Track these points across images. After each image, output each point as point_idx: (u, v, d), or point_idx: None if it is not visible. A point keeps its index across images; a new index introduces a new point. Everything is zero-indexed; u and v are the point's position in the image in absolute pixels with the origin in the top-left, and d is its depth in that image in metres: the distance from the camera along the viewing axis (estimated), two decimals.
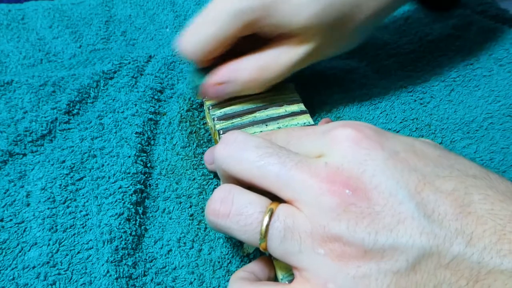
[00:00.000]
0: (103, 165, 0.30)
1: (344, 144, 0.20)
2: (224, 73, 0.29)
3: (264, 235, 0.20)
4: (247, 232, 0.21)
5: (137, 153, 0.31)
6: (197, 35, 0.28)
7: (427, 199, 0.19)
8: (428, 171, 0.20)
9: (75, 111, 0.34)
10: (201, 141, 0.33)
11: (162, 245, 0.27)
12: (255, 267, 0.24)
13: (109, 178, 0.29)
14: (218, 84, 0.29)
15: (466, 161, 0.22)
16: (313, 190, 0.20)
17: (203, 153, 0.32)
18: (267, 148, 0.21)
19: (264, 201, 0.21)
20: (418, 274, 0.18)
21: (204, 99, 0.33)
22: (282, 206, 0.21)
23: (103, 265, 0.25)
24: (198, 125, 0.34)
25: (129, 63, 0.37)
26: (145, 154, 0.32)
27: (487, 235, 0.18)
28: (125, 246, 0.26)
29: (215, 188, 0.30)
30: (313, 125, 0.30)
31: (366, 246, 0.19)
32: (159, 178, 0.31)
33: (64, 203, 0.28)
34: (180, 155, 0.32)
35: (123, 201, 0.28)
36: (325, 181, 0.20)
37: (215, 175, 0.31)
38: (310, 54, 0.29)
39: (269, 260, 0.24)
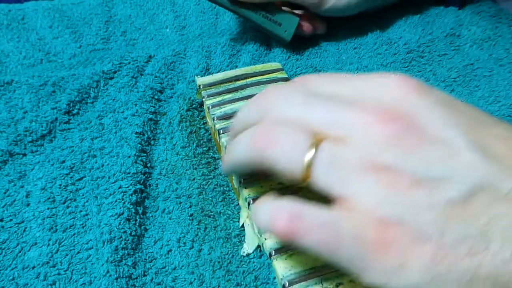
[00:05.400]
0: (103, 165, 0.30)
1: (396, 88, 0.20)
2: None
3: (309, 164, 0.19)
4: (291, 162, 0.20)
5: (137, 153, 0.31)
6: None
7: (481, 137, 0.19)
8: (478, 118, 0.20)
9: (75, 111, 0.34)
10: (201, 141, 0.33)
11: (162, 245, 0.27)
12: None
13: (109, 178, 0.29)
14: None
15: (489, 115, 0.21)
16: (364, 123, 0.19)
17: (203, 153, 0.32)
18: (313, 92, 0.21)
19: (311, 132, 0.20)
20: (471, 206, 0.18)
21: (203, 99, 0.33)
22: (329, 138, 0.20)
23: (103, 265, 0.25)
24: (198, 125, 0.34)
25: (129, 63, 0.37)
26: (145, 154, 0.32)
27: None
28: (125, 246, 0.26)
29: (215, 188, 0.30)
30: None
31: (418, 175, 0.18)
32: (159, 178, 0.31)
33: (64, 203, 0.28)
34: (180, 155, 0.32)
35: (123, 201, 0.28)
36: (377, 114, 0.19)
37: (215, 175, 0.31)
38: None
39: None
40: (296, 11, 0.40)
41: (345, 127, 0.20)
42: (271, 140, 0.20)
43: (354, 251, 0.19)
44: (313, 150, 0.19)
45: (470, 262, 0.18)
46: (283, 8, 0.39)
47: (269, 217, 0.20)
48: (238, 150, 0.22)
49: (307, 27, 0.40)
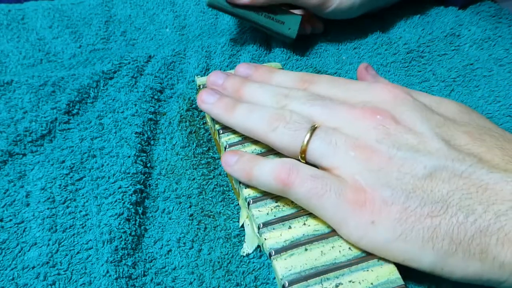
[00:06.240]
0: (102, 165, 0.30)
1: (379, 93, 0.26)
2: None
3: (308, 140, 0.25)
4: (294, 139, 0.25)
5: (136, 153, 0.31)
6: None
7: (446, 131, 0.24)
8: (449, 117, 0.25)
9: (75, 111, 0.34)
10: (201, 141, 0.33)
11: (162, 245, 0.27)
12: None
13: (108, 178, 0.29)
14: None
15: (487, 120, 0.26)
16: (351, 117, 0.25)
17: (202, 153, 0.32)
18: (315, 95, 0.27)
19: (312, 122, 0.26)
20: (434, 181, 0.22)
21: None
22: (325, 125, 0.25)
23: (102, 265, 0.25)
24: (197, 125, 0.34)
25: (129, 63, 0.37)
26: (144, 154, 0.32)
27: (497, 159, 0.22)
28: (124, 246, 0.26)
29: (215, 188, 0.30)
30: None
31: (389, 154, 0.23)
32: (158, 178, 0.31)
33: (63, 203, 0.28)
34: (179, 155, 0.32)
35: (122, 201, 0.28)
36: (362, 111, 0.25)
37: (215, 175, 0.31)
38: None
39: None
40: (296, 11, 0.40)
41: (337, 120, 0.25)
42: (286, 120, 0.26)
43: (336, 204, 0.23)
44: (312, 132, 0.25)
45: (430, 222, 0.22)
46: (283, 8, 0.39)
47: (274, 169, 0.25)
48: (254, 122, 0.27)
49: (307, 25, 0.40)
